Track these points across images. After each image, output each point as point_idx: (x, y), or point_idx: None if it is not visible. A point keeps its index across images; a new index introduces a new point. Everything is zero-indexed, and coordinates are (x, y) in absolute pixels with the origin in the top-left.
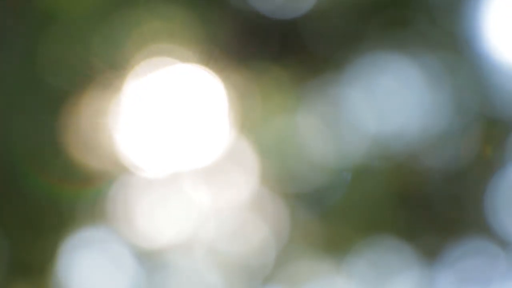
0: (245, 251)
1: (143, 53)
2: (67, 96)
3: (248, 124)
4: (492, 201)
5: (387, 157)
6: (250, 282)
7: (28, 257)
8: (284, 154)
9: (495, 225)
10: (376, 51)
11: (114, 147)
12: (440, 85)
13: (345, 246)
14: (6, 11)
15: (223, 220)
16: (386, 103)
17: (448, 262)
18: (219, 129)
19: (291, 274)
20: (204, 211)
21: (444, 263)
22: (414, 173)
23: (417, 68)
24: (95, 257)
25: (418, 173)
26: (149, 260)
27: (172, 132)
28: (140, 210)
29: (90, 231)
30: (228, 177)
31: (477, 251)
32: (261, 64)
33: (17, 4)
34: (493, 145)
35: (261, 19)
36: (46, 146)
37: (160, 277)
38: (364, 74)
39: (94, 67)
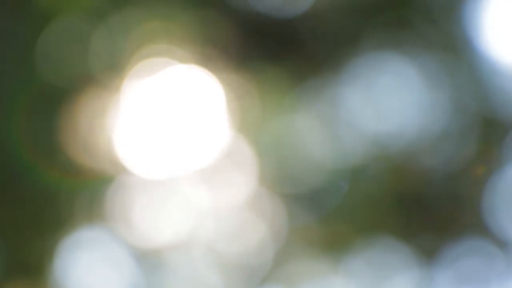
0: (244, 251)
1: (141, 53)
2: (66, 96)
3: (246, 124)
4: (490, 202)
5: (386, 158)
6: (248, 282)
7: (25, 257)
8: (282, 155)
9: (493, 225)
10: (374, 51)
11: (112, 147)
12: (438, 86)
13: (343, 246)
14: (5, 12)
15: (221, 220)
16: (385, 103)
17: (446, 262)
18: (218, 130)
19: (290, 274)
20: (203, 211)
21: (443, 263)
22: (413, 174)
23: (415, 69)
24: (93, 257)
25: (416, 174)
26: (148, 260)
27: (171, 132)
28: (139, 210)
29: (88, 230)
30: (226, 177)
31: (475, 251)
32: (260, 64)
33: (16, 5)
34: (491, 146)
35: (260, 19)
36: (46, 146)
37: (159, 277)
38: (363, 74)
39: (93, 67)
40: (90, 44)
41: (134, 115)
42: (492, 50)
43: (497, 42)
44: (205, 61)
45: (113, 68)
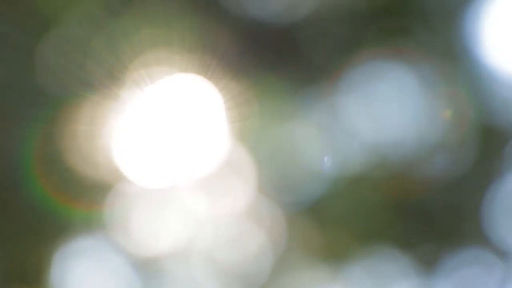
0: (243, 259)
1: (140, 61)
2: (64, 103)
3: (245, 132)
4: (490, 210)
5: (385, 166)
6: None
7: (24, 266)
8: (281, 163)
9: (492, 234)
10: (373, 59)
11: (110, 155)
12: (437, 94)
13: (342, 255)
14: (4, 17)
15: (220, 229)
16: (384, 111)
17: (446, 271)
18: (216, 137)
19: (289, 283)
20: (202, 219)
21: (441, 272)
22: (412, 182)
23: (415, 77)
24: (92, 266)
25: (415, 182)
26: (146, 269)
27: (169, 140)
28: (137, 218)
29: (87, 239)
30: (225, 185)
31: (475, 260)
32: (259, 72)
33: (15, 10)
34: (491, 155)
35: (259, 27)
36: (45, 154)
37: (157, 285)
38: (362, 82)
39: (91, 75)
40: (89, 51)
41: (133, 123)
42: (492, 58)
43: (497, 50)
44: (204, 69)
45: (112, 76)
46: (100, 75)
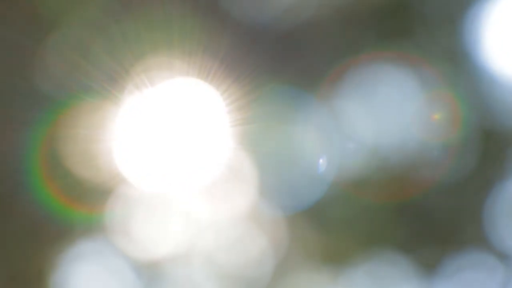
0: (244, 263)
1: (141, 65)
2: (66, 107)
3: (246, 136)
4: (491, 213)
5: (385, 169)
6: None
7: (26, 268)
8: (282, 166)
9: (493, 237)
10: (373, 62)
11: (111, 159)
12: (437, 97)
13: (343, 258)
14: (6, 20)
15: (221, 232)
16: (384, 114)
17: (447, 274)
18: (217, 141)
19: (289, 286)
20: (202, 222)
21: (443, 275)
22: (412, 185)
23: (414, 80)
24: (94, 269)
25: (416, 185)
26: (148, 272)
27: (170, 143)
28: (139, 222)
29: (89, 242)
30: (226, 189)
31: (476, 264)
32: (259, 76)
33: (16, 14)
34: (492, 158)
35: (259, 31)
36: (47, 158)
37: None
38: (362, 85)
39: (92, 79)
40: (90, 55)
41: (135, 127)
42: (492, 62)
43: (498, 54)
44: (204, 73)
45: (113, 80)
46: (102, 78)
